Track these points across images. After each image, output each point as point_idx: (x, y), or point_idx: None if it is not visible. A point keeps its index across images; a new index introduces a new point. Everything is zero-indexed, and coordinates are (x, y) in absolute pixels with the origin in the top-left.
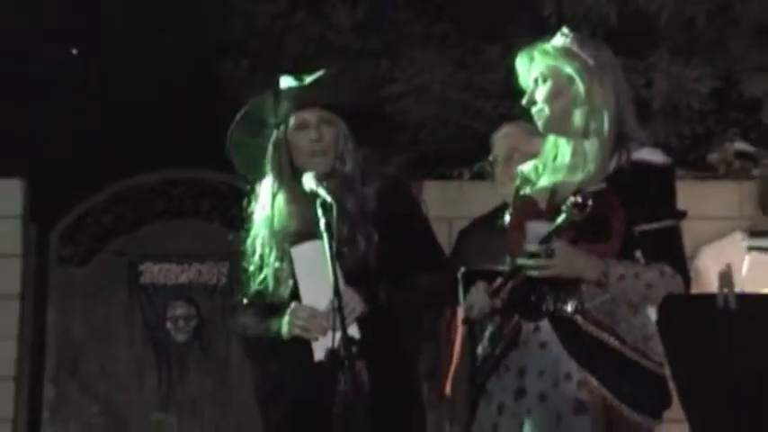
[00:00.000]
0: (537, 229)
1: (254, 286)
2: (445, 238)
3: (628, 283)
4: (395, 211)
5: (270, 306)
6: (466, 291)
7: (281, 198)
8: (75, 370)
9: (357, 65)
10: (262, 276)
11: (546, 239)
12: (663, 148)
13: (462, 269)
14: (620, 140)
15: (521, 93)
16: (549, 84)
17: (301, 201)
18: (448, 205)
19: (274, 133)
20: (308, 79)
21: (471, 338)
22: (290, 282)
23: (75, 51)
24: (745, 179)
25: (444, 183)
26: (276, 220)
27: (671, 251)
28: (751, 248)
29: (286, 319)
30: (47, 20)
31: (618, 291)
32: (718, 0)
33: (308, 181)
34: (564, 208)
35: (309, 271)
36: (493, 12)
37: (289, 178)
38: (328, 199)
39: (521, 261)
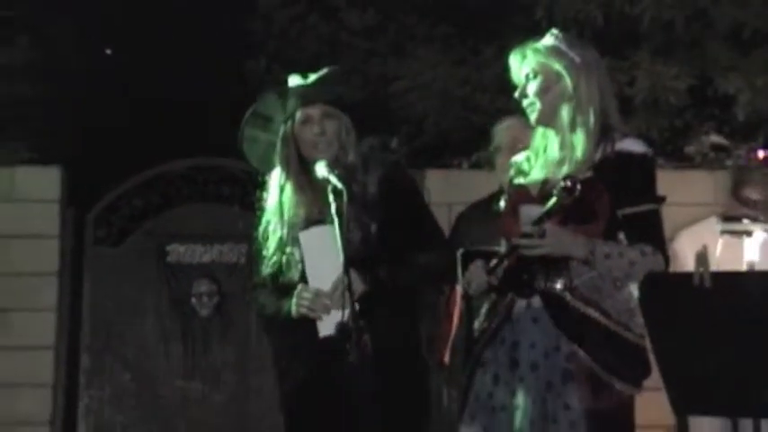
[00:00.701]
0: (530, 212)
1: (268, 269)
2: (445, 221)
3: (612, 261)
4: (395, 194)
5: (283, 287)
6: (464, 269)
7: (289, 187)
8: (109, 340)
9: (366, 63)
10: (274, 260)
11: (538, 221)
12: (644, 139)
13: (461, 249)
14: (604, 132)
15: (515, 88)
16: (539, 79)
17: (309, 190)
18: (448, 191)
19: (282, 128)
20: (312, 78)
21: (469, 313)
22: (300, 266)
23: (108, 51)
24: (719, 169)
25: (445, 171)
26: (285, 208)
27: (652, 232)
28: (724, 232)
29: (293, 300)
30: (86, 21)
31: (603, 268)
32: (695, 5)
33: (320, 169)
34: (554, 192)
35: (315, 254)
36: (489, 15)
37: (296, 169)
38: (339, 185)
39: (516, 241)
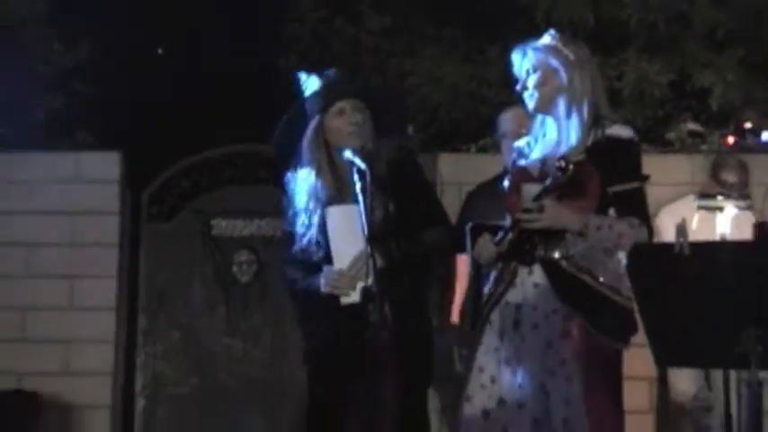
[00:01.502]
0: (530, 190)
1: (299, 246)
2: (456, 199)
3: (603, 232)
4: (404, 177)
5: (311, 264)
6: (473, 241)
7: (318, 171)
8: (161, 304)
9: (384, 61)
10: (305, 239)
11: (537, 198)
12: (630, 126)
13: (470, 224)
14: (596, 120)
15: (516, 82)
16: (537, 74)
17: (334, 173)
18: (458, 173)
19: (315, 119)
20: (343, 77)
21: (477, 280)
22: (325, 242)
23: (160, 51)
24: (696, 153)
25: (455, 155)
26: (314, 189)
27: (638, 207)
28: (700, 207)
29: (321, 281)
30: (139, 25)
31: (595, 239)
32: (676, 9)
33: (347, 153)
34: (551, 172)
35: (340, 228)
36: (492, 17)
37: (324, 155)
38: (363, 166)
39: (518, 216)
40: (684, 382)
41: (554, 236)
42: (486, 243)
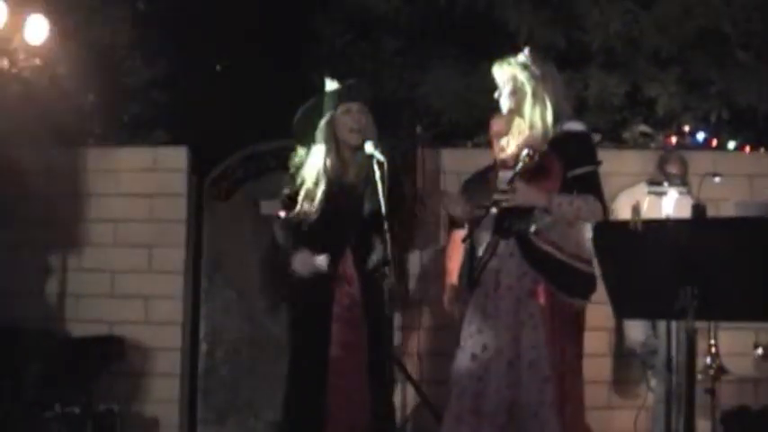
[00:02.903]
0: (505, 176)
1: (292, 214)
2: (456, 185)
3: (564, 207)
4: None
5: (300, 232)
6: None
7: (326, 157)
8: (220, 268)
9: (399, 75)
10: (297, 208)
11: (510, 181)
12: (593, 126)
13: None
14: (556, 120)
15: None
16: (509, 85)
17: (339, 157)
18: (457, 164)
19: (328, 114)
20: (351, 84)
21: (471, 251)
22: (315, 214)
23: (218, 67)
24: (646, 150)
25: (455, 150)
26: (322, 171)
27: (593, 186)
28: (649, 193)
29: (297, 265)
30: (202, 45)
31: (558, 213)
32: (629, 35)
33: (368, 146)
34: (520, 158)
35: None
36: (486, 39)
37: (334, 145)
38: (381, 159)
39: (495, 196)
40: (635, 331)
41: (525, 213)
42: (458, 201)
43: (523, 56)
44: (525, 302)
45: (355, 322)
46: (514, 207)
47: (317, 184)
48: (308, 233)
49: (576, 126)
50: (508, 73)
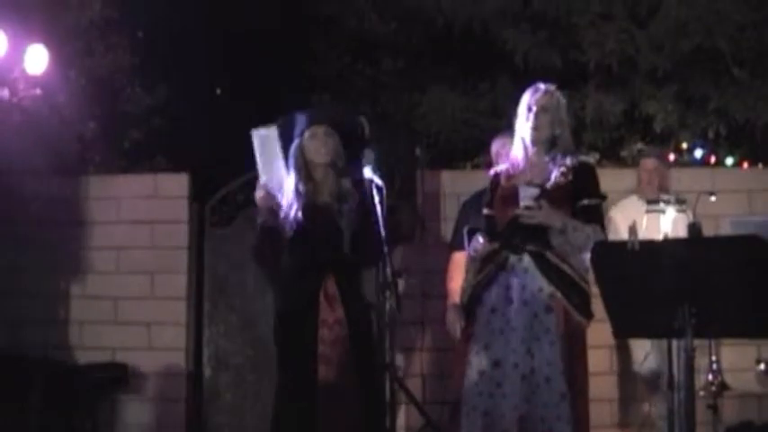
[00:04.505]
0: (528, 192)
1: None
2: (455, 206)
3: (577, 232)
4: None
5: (279, 243)
6: (470, 239)
7: (299, 182)
8: (222, 293)
9: (398, 96)
10: (286, 221)
11: (538, 198)
12: (593, 146)
13: (467, 227)
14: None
15: (501, 114)
16: (551, 113)
17: (310, 179)
18: (457, 185)
19: (297, 140)
20: (317, 109)
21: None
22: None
23: (218, 91)
24: None
25: (454, 171)
26: (296, 189)
27: (598, 217)
28: (648, 211)
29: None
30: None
31: (572, 236)
32: (625, 54)
33: (367, 171)
34: (554, 176)
35: (264, 151)
36: (483, 61)
37: (303, 166)
38: (380, 183)
39: (519, 212)
40: (638, 352)
41: (538, 231)
42: (479, 241)
43: (552, 85)
44: (541, 318)
45: (340, 343)
46: (527, 226)
47: (291, 207)
48: (288, 254)
49: (589, 159)
50: (555, 102)
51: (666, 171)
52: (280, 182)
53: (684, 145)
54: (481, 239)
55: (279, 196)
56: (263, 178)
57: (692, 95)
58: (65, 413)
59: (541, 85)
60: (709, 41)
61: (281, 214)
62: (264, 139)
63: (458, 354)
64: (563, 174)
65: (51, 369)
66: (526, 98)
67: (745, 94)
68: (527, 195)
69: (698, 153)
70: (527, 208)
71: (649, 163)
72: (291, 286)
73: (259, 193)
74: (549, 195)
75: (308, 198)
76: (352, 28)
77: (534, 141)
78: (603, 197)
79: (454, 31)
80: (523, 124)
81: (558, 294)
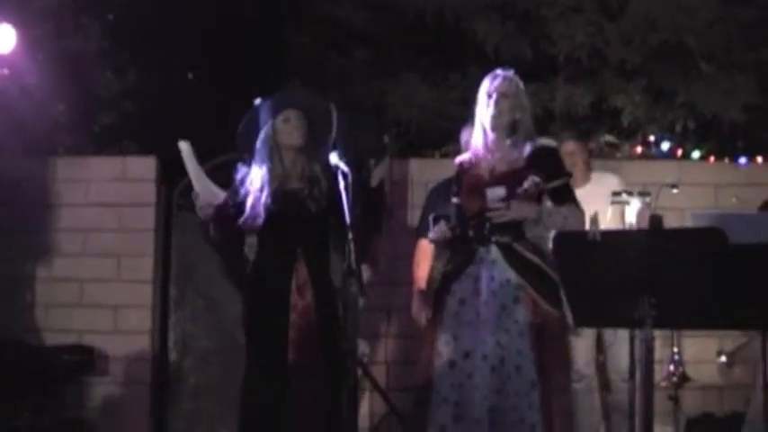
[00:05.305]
0: (495, 193)
1: (245, 216)
2: (423, 193)
3: (552, 217)
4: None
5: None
6: (435, 225)
7: (270, 165)
8: (189, 276)
9: (368, 85)
10: (251, 210)
11: (506, 199)
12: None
13: (432, 214)
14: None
15: (470, 103)
16: (512, 100)
17: (281, 164)
18: (425, 174)
19: (269, 123)
20: (289, 92)
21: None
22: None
23: (190, 76)
24: (611, 159)
25: (423, 160)
26: (266, 176)
27: (570, 196)
28: (613, 202)
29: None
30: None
31: (549, 222)
32: (594, 47)
33: (333, 158)
34: (528, 185)
35: (193, 162)
36: (454, 51)
37: (277, 153)
38: (346, 170)
39: (489, 214)
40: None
41: (510, 224)
42: (443, 228)
43: (513, 72)
44: (510, 309)
45: (308, 328)
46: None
47: (261, 191)
48: (258, 239)
49: (549, 142)
50: (513, 88)
51: (587, 155)
52: (211, 191)
53: (652, 138)
54: (444, 227)
55: (218, 196)
56: (196, 187)
57: (660, 89)
58: (30, 395)
59: (500, 72)
60: (677, 36)
61: (249, 201)
62: (192, 152)
63: (424, 340)
64: (536, 184)
65: (17, 351)
66: (486, 85)
67: (713, 89)
68: (494, 197)
69: (665, 146)
70: (495, 210)
71: (568, 146)
72: (263, 273)
73: (198, 204)
74: (518, 197)
75: (278, 184)
76: (324, 16)
77: (494, 127)
78: (570, 174)
79: (426, 21)
80: (484, 111)
81: (526, 284)
